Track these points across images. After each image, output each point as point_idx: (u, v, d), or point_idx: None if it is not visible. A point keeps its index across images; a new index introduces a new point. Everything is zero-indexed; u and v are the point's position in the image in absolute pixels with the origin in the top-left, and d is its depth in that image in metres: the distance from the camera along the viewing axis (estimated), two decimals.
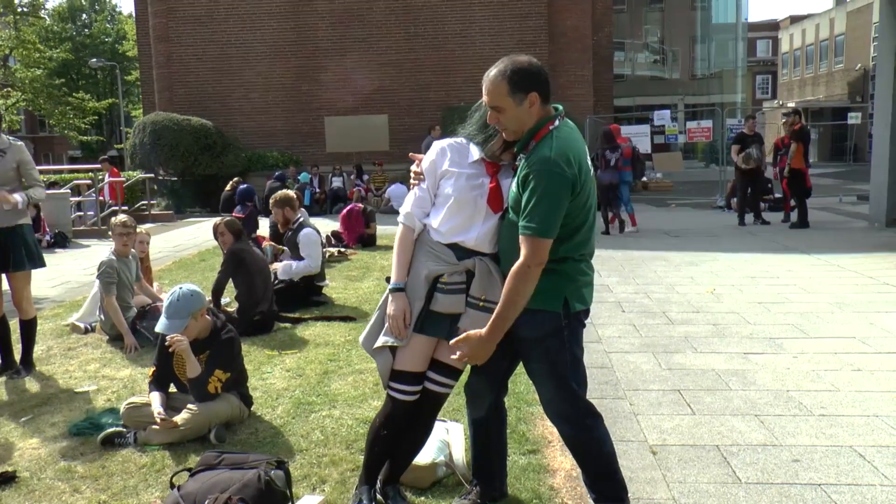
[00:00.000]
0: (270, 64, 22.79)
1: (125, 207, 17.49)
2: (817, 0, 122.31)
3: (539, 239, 2.67)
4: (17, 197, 5.22)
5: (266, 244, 8.88)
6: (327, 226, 13.28)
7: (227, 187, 15.86)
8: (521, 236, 2.71)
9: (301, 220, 8.03)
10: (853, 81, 43.67)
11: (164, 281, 8.65)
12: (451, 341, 2.84)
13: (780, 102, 50.10)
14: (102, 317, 6.39)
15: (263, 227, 11.47)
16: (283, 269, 7.55)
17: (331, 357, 5.68)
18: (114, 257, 6.36)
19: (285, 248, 8.11)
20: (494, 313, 2.76)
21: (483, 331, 2.77)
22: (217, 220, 7.03)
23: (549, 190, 2.65)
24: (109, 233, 6.69)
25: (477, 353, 2.81)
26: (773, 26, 60.27)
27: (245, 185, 12.91)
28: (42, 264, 5.55)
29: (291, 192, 8.25)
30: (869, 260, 9.47)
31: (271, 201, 8.08)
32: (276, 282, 7.42)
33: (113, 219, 6.80)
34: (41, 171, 6.22)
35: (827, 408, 4.39)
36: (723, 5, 42.78)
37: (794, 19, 55.32)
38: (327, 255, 10.43)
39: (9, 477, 3.67)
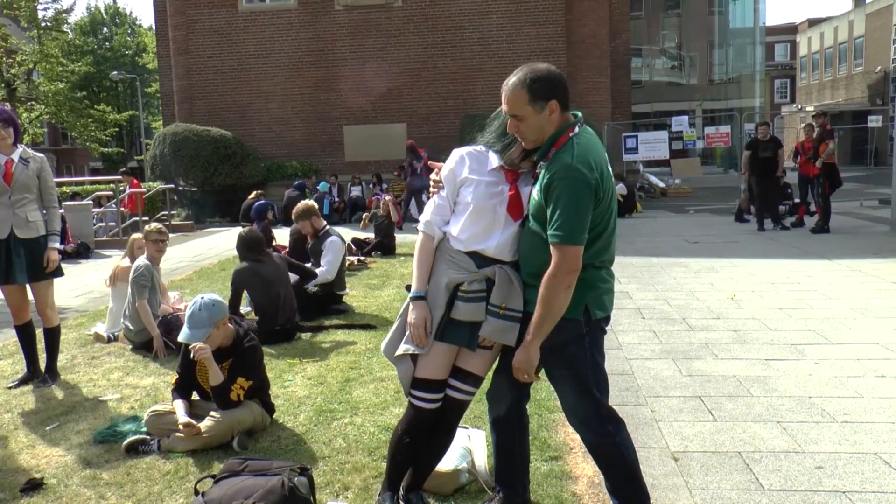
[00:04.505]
0: (289, 74, 22.92)
1: (146, 218, 17.66)
2: (836, 2, 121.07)
3: (567, 246, 2.67)
4: (55, 254, 5.49)
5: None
6: (346, 235, 13.32)
7: (251, 196, 15.97)
8: (550, 245, 2.71)
9: (327, 227, 8.15)
10: (873, 84, 43.23)
11: (185, 290, 8.73)
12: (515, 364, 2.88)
13: (799, 106, 49.75)
14: (128, 323, 6.45)
15: (282, 237, 11.53)
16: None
17: (352, 365, 5.71)
18: (148, 262, 6.49)
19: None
20: (532, 322, 2.78)
21: (524, 344, 2.82)
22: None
23: (574, 196, 2.66)
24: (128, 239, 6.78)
25: (523, 364, 2.83)
26: (791, 30, 59.86)
27: (260, 203, 12.92)
28: (61, 273, 5.64)
29: (310, 202, 8.31)
30: (891, 265, 9.37)
31: (294, 216, 8.14)
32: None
33: (147, 226, 6.87)
34: (63, 183, 6.38)
35: (850, 414, 4.36)
36: (740, 10, 42.59)
37: (813, 22, 54.93)
38: (347, 263, 10.45)
39: (36, 484, 3.73)
